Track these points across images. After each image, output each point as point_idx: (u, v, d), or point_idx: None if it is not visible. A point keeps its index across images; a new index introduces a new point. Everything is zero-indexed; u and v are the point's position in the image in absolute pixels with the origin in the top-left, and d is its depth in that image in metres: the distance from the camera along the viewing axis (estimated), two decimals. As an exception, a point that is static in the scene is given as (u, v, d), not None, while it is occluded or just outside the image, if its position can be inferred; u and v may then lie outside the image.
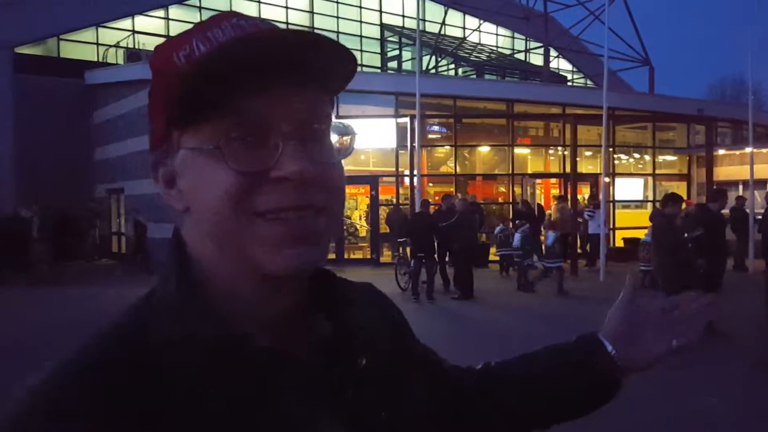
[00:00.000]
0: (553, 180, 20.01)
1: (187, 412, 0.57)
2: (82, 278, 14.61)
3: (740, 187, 16.71)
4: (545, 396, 0.90)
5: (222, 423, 0.58)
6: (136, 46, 21.62)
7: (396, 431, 0.71)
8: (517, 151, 19.04)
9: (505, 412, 0.91)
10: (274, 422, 0.60)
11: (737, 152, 18.28)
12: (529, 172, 19.53)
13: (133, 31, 22.48)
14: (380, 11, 28.73)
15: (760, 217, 13.35)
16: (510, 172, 18.31)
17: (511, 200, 17.95)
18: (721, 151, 18.77)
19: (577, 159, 17.56)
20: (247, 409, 0.59)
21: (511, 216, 15.94)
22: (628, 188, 20.07)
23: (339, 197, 0.66)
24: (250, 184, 0.60)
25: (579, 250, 15.23)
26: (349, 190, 17.20)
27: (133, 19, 22.62)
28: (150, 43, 21.60)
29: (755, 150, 15.63)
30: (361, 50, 27.61)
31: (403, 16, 29.13)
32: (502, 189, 19.26)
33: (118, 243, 19.46)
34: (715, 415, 5.15)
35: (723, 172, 18.23)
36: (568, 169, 17.95)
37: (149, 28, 22.87)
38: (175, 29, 23.87)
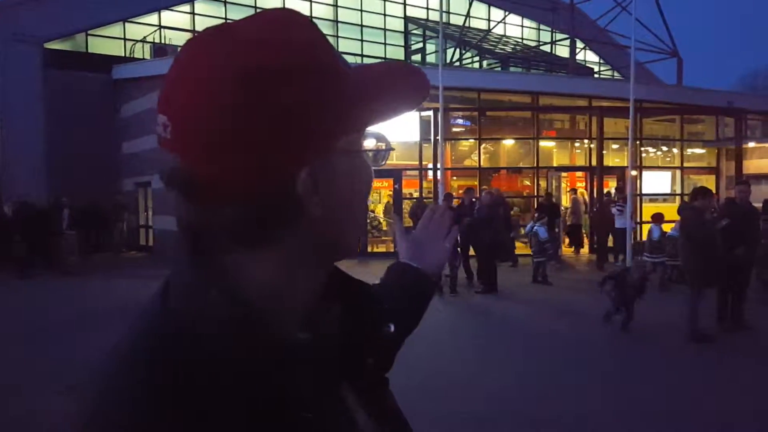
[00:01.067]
0: (579, 173, 19.81)
1: (230, 400, 0.56)
2: (109, 270, 14.86)
3: (771, 180, 16.37)
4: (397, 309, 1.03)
5: (264, 412, 0.58)
6: (163, 41, 21.84)
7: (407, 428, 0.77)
8: (542, 144, 18.87)
9: None
10: (308, 411, 0.60)
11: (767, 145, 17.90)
12: (555, 165, 19.36)
13: (160, 26, 22.71)
14: (404, 4, 28.61)
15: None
16: (535, 165, 18.17)
17: (536, 194, 17.80)
18: (751, 144, 18.41)
19: (604, 152, 17.37)
20: (285, 400, 0.59)
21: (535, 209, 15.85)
22: (656, 181, 19.76)
23: None
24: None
25: (611, 244, 15.05)
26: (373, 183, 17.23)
27: (159, 14, 22.86)
28: (176, 38, 21.82)
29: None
30: (385, 43, 27.55)
31: (427, 8, 28.96)
32: (527, 182, 19.13)
33: (146, 236, 19.74)
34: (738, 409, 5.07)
35: (753, 165, 17.88)
36: (594, 162, 17.76)
37: (175, 23, 23.09)
38: (201, 24, 24.07)
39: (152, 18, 22.72)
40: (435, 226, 1.17)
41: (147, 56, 21.25)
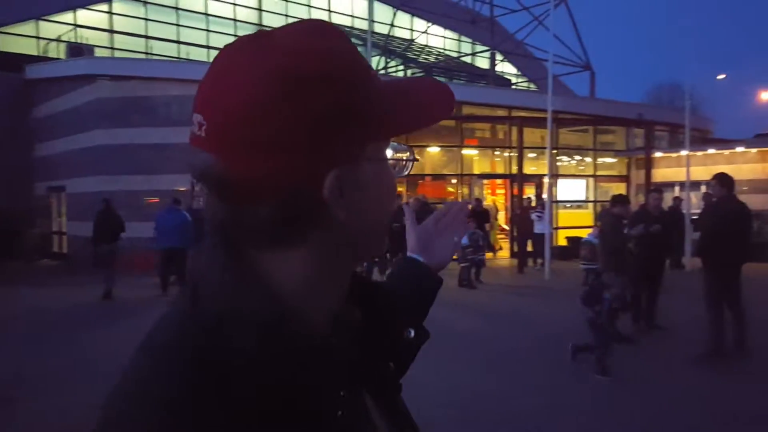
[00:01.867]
0: (499, 180, 20.51)
1: (273, 408, 0.59)
2: (17, 278, 14.11)
3: (677, 188, 17.50)
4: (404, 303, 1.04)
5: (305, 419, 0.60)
6: (79, 41, 20.99)
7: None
8: (465, 152, 19.43)
9: None
10: (338, 416, 0.63)
11: (674, 155, 19.11)
12: (477, 172, 19.96)
13: (76, 25, 21.80)
14: (329, 11, 28.75)
15: (696, 217, 14.00)
16: (459, 172, 18.68)
17: (460, 200, 18.28)
18: (659, 154, 19.58)
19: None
20: (320, 404, 0.62)
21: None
22: (570, 189, 20.74)
23: None
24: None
25: (530, 249, 15.70)
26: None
27: (75, 12, 21.95)
28: (93, 38, 21.03)
29: (691, 153, 16.38)
30: (311, 49, 27.57)
31: (353, 16, 29.22)
32: (451, 189, 19.62)
33: (59, 242, 18.87)
34: (657, 402, 5.47)
35: (660, 174, 19.06)
36: (513, 170, 18.45)
37: (92, 23, 22.23)
38: (120, 24, 23.31)
39: (67, 17, 21.78)
40: (449, 220, 1.17)
41: (62, 56, 20.36)
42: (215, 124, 0.61)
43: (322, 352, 0.62)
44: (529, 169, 19.21)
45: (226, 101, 0.60)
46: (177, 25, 24.51)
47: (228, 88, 0.60)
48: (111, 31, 22.94)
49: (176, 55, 23.68)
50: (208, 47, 24.69)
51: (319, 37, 0.64)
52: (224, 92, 0.61)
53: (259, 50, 0.62)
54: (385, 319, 0.77)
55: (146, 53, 23.13)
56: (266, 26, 26.28)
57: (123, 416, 0.58)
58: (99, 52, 20.70)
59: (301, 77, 0.60)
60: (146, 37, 23.72)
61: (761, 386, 5.90)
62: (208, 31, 25.04)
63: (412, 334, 0.81)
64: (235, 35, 26.17)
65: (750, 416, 5.17)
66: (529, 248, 15.71)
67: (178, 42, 24.31)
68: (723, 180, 6.83)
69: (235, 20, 25.81)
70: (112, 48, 22.87)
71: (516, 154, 17.97)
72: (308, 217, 0.64)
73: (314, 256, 0.65)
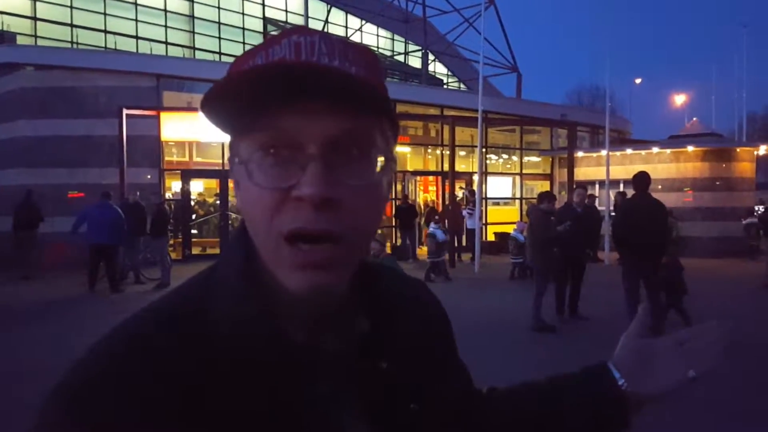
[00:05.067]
0: (431, 177, 21.01)
1: (227, 390, 0.61)
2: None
3: (597, 186, 18.41)
4: (551, 427, 0.85)
5: (256, 405, 0.62)
6: (1, 28, 20.03)
7: (424, 424, 0.73)
8: (398, 149, 19.70)
9: None
10: (299, 412, 0.63)
11: (594, 154, 20.05)
12: (410, 169, 20.35)
13: (-5, 11, 20.80)
14: (263, 4, 28.48)
15: (613, 213, 14.81)
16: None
17: (393, 197, 18.63)
18: (580, 153, 20.49)
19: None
20: (278, 397, 0.63)
21: (394, 213, 16.67)
22: (498, 186, 21.47)
23: (367, 221, 0.64)
24: (276, 201, 0.60)
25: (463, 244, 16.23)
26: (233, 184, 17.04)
27: (-6, -3, 20.95)
28: (15, 25, 20.12)
29: (610, 153, 17.29)
30: (244, 42, 27.26)
31: (287, 11, 29.06)
32: (384, 185, 19.91)
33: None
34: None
35: (582, 173, 19.96)
36: (445, 167, 18.94)
37: (14, 9, 21.25)
38: (44, 11, 22.39)
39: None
40: (698, 346, 0.83)
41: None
42: None
43: (285, 355, 0.64)
44: (459, 166, 19.75)
45: None
46: (104, 14, 23.72)
47: None
48: (34, 19, 21.97)
49: (103, 45, 22.94)
50: (137, 38, 24.00)
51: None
52: None
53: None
54: (386, 320, 0.74)
55: (72, 42, 22.29)
56: (198, 18, 25.95)
57: (94, 347, 0.62)
58: (21, 40, 19.78)
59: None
60: (72, 25, 22.85)
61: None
62: (137, 21, 24.33)
63: (416, 407, 0.74)
64: (166, 26, 25.51)
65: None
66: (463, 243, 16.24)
67: (105, 32, 23.54)
68: (640, 178, 7.37)
69: (165, 11, 25.19)
70: (35, 36, 21.88)
71: (448, 152, 18.46)
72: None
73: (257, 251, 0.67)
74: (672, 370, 0.81)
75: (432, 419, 0.73)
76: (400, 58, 31.78)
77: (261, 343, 0.63)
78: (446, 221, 14.82)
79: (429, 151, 21.24)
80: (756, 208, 19.42)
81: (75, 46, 21.88)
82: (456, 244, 15.94)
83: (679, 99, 43.05)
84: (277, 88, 0.59)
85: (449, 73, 34.81)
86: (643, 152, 19.05)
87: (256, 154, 0.62)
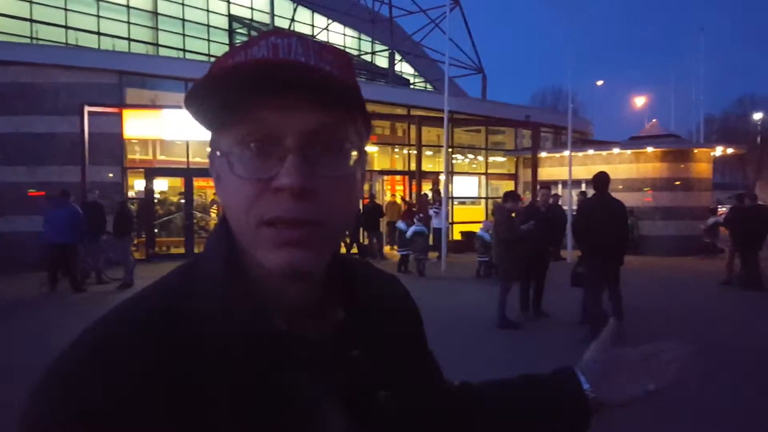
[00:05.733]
0: (398, 177, 21.11)
1: (213, 378, 0.63)
2: None
3: (560, 186, 18.73)
4: (518, 423, 0.91)
5: (239, 391, 0.64)
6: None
7: (394, 410, 0.75)
8: (366, 148, 19.75)
9: (478, 427, 0.92)
10: (279, 397, 0.66)
11: (557, 155, 20.39)
12: (377, 168, 20.41)
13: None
14: (228, 2, 28.20)
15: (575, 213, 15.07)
16: (359, 168, 18.97)
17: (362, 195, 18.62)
18: (544, 154, 20.82)
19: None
20: (260, 383, 0.65)
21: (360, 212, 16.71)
22: (464, 186, 21.68)
23: (342, 211, 0.67)
24: (256, 191, 0.64)
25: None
26: (198, 182, 16.89)
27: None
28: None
29: (573, 153, 17.60)
30: (209, 40, 26.97)
31: (252, 8, 28.83)
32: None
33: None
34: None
35: (545, 173, 20.29)
36: (412, 167, 19.05)
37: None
38: (2, 6, 21.83)
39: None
40: (660, 364, 0.90)
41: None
42: None
43: (253, 327, 0.67)
44: (426, 166, 19.89)
45: None
46: (65, 9, 23.19)
47: None
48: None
49: (64, 41, 22.43)
50: (99, 34, 23.52)
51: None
52: None
53: None
54: (362, 311, 0.77)
55: (31, 38, 21.74)
56: (162, 14, 25.55)
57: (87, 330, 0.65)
58: (-22, 35, 19.26)
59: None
60: (31, 20, 22.30)
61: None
62: (98, 17, 23.85)
63: (384, 396, 0.75)
64: (129, 22, 25.03)
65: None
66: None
67: (66, 27, 23.01)
68: (601, 179, 7.54)
69: (128, 7, 24.76)
70: (-8, 31, 21.30)
71: (414, 152, 18.57)
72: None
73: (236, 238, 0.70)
74: (634, 382, 0.87)
75: (401, 407, 0.75)
76: (367, 57, 31.81)
77: (247, 332, 0.66)
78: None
79: (396, 150, 21.34)
80: (715, 208, 19.96)
81: (35, 41, 21.36)
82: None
83: (640, 101, 44.03)
84: (257, 83, 0.62)
85: (416, 73, 34.96)
86: (604, 153, 19.43)
87: (236, 147, 0.65)
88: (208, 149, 0.71)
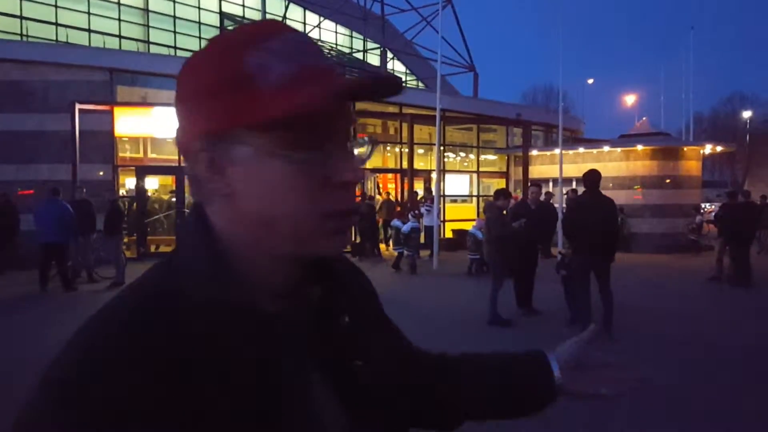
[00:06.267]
0: (390, 175, 21.13)
1: (210, 366, 0.64)
2: None
3: (551, 184, 18.80)
4: (490, 392, 1.00)
5: (237, 375, 0.65)
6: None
7: (368, 378, 0.79)
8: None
9: (452, 395, 0.99)
10: (272, 372, 0.67)
11: (548, 153, 20.48)
12: (369, 167, 20.42)
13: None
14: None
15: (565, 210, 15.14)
16: (351, 166, 18.97)
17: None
18: (535, 152, 20.89)
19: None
20: (257, 363, 0.67)
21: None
22: (456, 184, 21.74)
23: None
24: (319, 186, 0.68)
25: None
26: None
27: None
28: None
29: (563, 151, 17.67)
30: (200, 37, 26.88)
31: (244, 6, 28.75)
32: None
33: None
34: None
35: (536, 171, 20.37)
36: (404, 165, 19.09)
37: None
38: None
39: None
40: (616, 379, 0.99)
41: None
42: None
43: (244, 312, 0.68)
44: (418, 164, 19.92)
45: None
46: (55, 6, 23.04)
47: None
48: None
49: (55, 38, 22.30)
50: (89, 31, 23.38)
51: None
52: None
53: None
54: (338, 286, 0.81)
55: (21, 35, 21.60)
56: (152, 11, 25.45)
57: (84, 328, 0.66)
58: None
59: (199, 54, 0.72)
60: (21, 17, 22.15)
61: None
62: (89, 14, 23.72)
63: (347, 319, 0.81)
64: (119, 19, 24.91)
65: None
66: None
67: (56, 24, 22.87)
68: (591, 176, 7.60)
69: (119, 4, 24.65)
70: (-19, 28, 21.13)
71: (407, 150, 18.60)
72: (197, 184, 0.72)
73: (228, 226, 0.71)
74: (593, 382, 0.98)
75: (375, 375, 0.80)
76: (359, 55, 31.80)
77: (239, 316, 0.67)
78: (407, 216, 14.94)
79: (388, 148, 21.36)
80: (703, 206, 20.10)
81: (25, 39, 21.22)
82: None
83: (630, 99, 44.29)
84: (370, 94, 0.69)
85: (408, 72, 34.98)
86: (594, 151, 19.54)
87: (292, 145, 0.67)
88: (199, 142, 0.69)
